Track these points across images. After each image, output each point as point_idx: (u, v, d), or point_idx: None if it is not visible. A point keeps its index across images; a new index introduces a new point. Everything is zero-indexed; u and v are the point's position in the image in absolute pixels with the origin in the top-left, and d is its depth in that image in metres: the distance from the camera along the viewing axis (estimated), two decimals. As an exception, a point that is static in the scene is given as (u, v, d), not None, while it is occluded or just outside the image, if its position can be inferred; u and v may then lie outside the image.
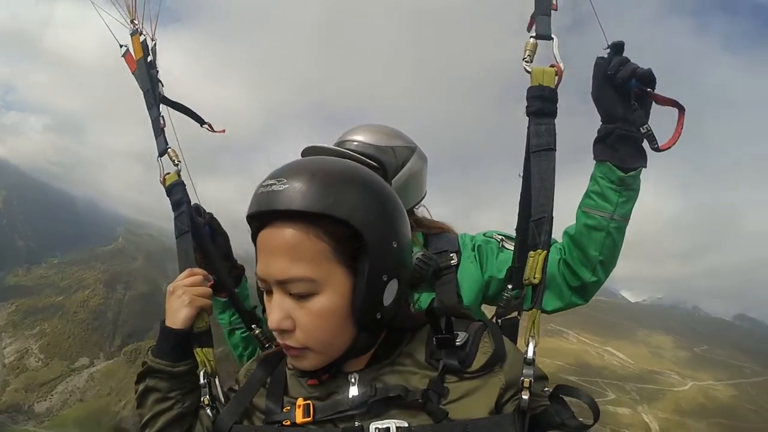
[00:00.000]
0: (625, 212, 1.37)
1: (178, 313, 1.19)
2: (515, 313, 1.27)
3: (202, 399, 1.17)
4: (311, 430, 0.95)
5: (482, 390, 0.95)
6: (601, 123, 1.31)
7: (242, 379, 1.16)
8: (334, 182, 0.89)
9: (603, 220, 1.37)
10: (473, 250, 1.61)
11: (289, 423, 0.96)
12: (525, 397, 0.91)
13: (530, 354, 0.94)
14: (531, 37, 1.10)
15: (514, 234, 1.40)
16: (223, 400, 1.18)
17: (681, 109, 1.21)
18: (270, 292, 0.95)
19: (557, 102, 1.06)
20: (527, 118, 1.09)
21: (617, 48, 1.23)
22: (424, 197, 1.82)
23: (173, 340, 1.19)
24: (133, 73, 1.48)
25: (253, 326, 1.51)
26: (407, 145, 1.72)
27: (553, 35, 1.09)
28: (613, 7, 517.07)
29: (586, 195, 1.40)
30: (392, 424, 0.89)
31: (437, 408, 0.90)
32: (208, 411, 1.15)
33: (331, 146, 1.62)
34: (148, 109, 1.46)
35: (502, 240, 1.60)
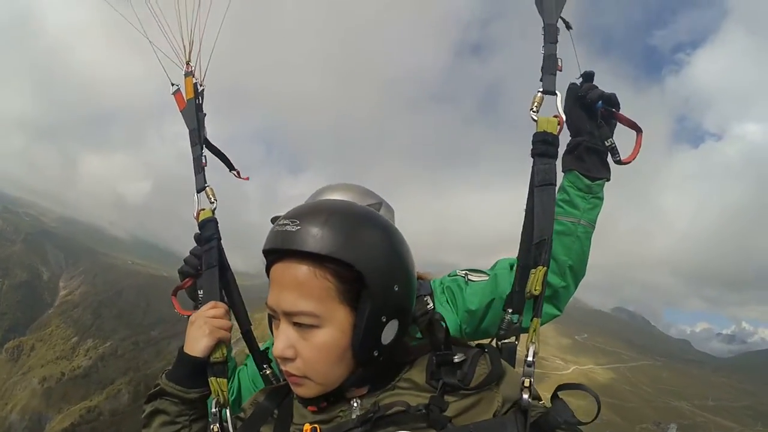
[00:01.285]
0: (591, 218, 1.48)
1: (197, 342, 1.25)
2: (513, 339, 1.28)
3: (211, 427, 1.21)
4: None
5: (480, 405, 1.00)
6: (570, 138, 1.44)
7: (248, 408, 1.20)
8: (344, 227, 0.97)
9: (571, 225, 1.46)
10: (443, 293, 1.64)
11: None
12: (525, 396, 0.96)
13: (530, 357, 1.01)
14: (538, 91, 1.26)
15: (477, 267, 1.62)
16: (231, 430, 1.21)
17: (639, 131, 1.37)
18: (278, 320, 1.03)
19: (558, 146, 1.22)
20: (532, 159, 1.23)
21: (588, 76, 1.42)
22: None
23: (190, 366, 1.24)
24: (181, 111, 1.58)
25: (264, 366, 1.54)
26: (377, 201, 1.84)
27: (557, 91, 1.26)
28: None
29: (555, 204, 1.40)
30: None
31: (440, 417, 0.96)
32: None
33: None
34: (192, 147, 1.54)
35: (466, 274, 1.64)
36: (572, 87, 1.43)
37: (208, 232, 1.48)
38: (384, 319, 0.99)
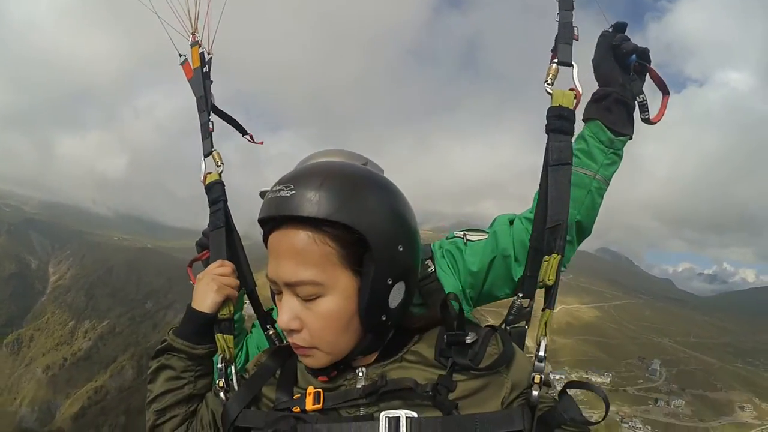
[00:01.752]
0: (607, 174, 1.40)
1: (205, 298, 1.24)
2: (523, 323, 1.24)
3: (216, 382, 1.21)
4: (321, 418, 0.99)
5: (489, 389, 0.98)
6: (598, 88, 1.37)
7: (252, 369, 1.20)
8: (341, 188, 0.93)
9: (586, 178, 1.38)
10: (443, 257, 1.57)
11: (298, 410, 1.00)
12: (535, 393, 0.94)
13: (542, 351, 0.98)
14: (553, 62, 1.18)
15: (475, 227, 1.56)
16: (236, 386, 1.21)
17: (666, 92, 1.32)
18: (280, 293, 1.00)
19: (574, 122, 1.14)
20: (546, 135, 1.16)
21: (621, 27, 1.34)
22: None
23: (197, 322, 1.24)
24: (188, 80, 1.61)
25: (267, 326, 1.54)
26: (363, 162, 1.71)
27: (573, 62, 1.18)
28: None
29: (570, 185, 1.30)
30: (402, 414, 0.92)
31: (446, 401, 0.94)
32: (222, 395, 1.18)
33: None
34: (199, 113, 1.56)
35: (464, 235, 1.58)
36: (605, 35, 1.36)
37: (215, 194, 1.48)
38: (390, 282, 0.95)
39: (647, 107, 1.33)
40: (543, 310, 1.06)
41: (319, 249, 0.92)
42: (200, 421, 1.22)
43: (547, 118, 1.16)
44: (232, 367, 1.24)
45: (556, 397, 1.00)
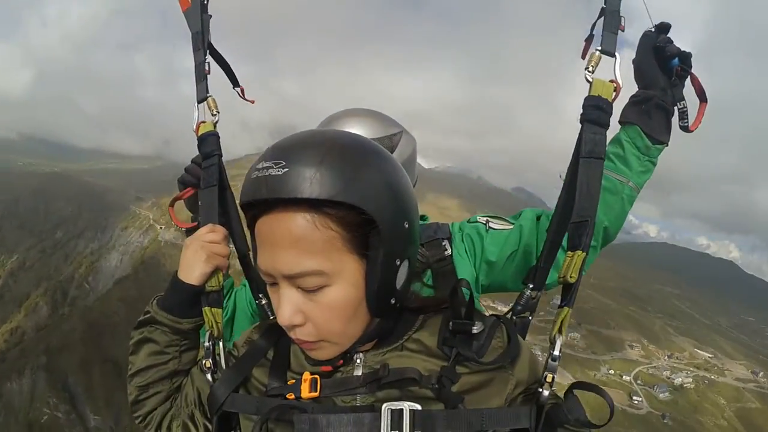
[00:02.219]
0: (640, 182, 1.36)
1: (192, 268, 1.12)
2: (528, 314, 1.21)
3: (203, 362, 1.12)
4: (317, 407, 0.91)
5: (493, 384, 0.93)
6: (638, 90, 1.32)
7: (241, 346, 1.11)
8: (343, 164, 0.80)
9: (619, 184, 1.34)
10: (462, 240, 1.51)
11: (293, 396, 0.93)
12: (546, 393, 0.91)
13: (557, 351, 0.93)
14: (596, 50, 1.12)
15: (499, 215, 1.48)
16: (224, 364, 1.12)
17: (705, 100, 1.27)
18: (275, 284, 0.89)
19: (611, 115, 1.09)
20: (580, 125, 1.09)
21: (664, 28, 1.29)
22: (415, 183, 1.69)
23: (183, 294, 1.13)
24: (183, 12, 1.42)
25: (260, 296, 1.36)
26: (399, 130, 1.65)
27: (616, 53, 1.13)
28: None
29: (606, 157, 1.25)
30: (406, 406, 0.85)
31: (451, 394, 0.87)
32: (208, 375, 1.10)
33: None
34: (194, 52, 1.38)
35: (487, 221, 1.52)
36: (648, 35, 1.30)
37: (209, 147, 1.31)
38: (398, 262, 0.88)
39: (687, 114, 1.29)
40: (560, 307, 0.99)
41: (321, 234, 0.80)
42: (185, 398, 1.16)
43: (583, 107, 1.09)
44: (221, 344, 1.15)
45: (560, 395, 0.95)
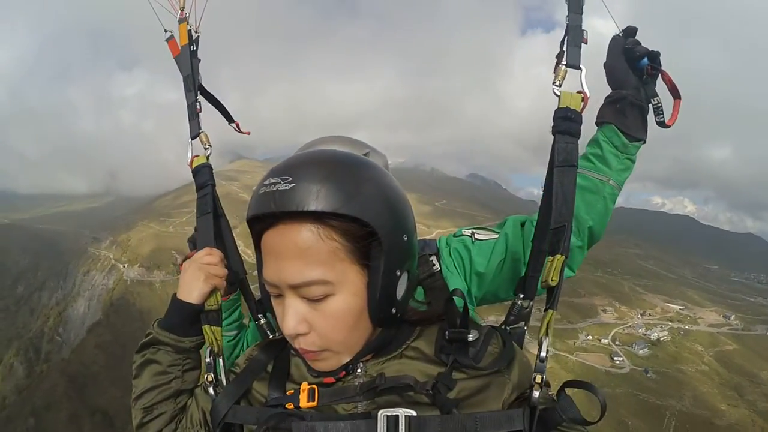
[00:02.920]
0: (621, 180, 1.39)
1: (192, 288, 1.17)
2: (522, 324, 1.23)
3: (205, 377, 1.15)
4: (316, 415, 0.95)
5: (490, 389, 0.96)
6: (612, 91, 1.36)
7: (243, 363, 1.14)
8: (345, 178, 0.88)
9: (599, 183, 1.37)
10: (449, 255, 1.51)
11: (292, 407, 0.96)
12: (536, 393, 0.92)
13: (543, 353, 0.95)
14: (562, 64, 1.17)
15: (482, 225, 1.52)
16: (224, 380, 1.16)
17: (678, 96, 1.30)
18: (279, 296, 0.94)
19: (581, 124, 1.14)
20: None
21: (631, 31, 1.35)
22: None
23: (184, 314, 1.17)
24: (174, 58, 1.53)
25: (259, 316, 1.41)
26: (367, 150, 1.66)
27: (581, 65, 1.17)
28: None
29: (584, 158, 1.39)
30: (401, 412, 0.88)
31: (446, 399, 0.91)
32: (210, 390, 1.13)
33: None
34: (186, 93, 1.48)
35: (472, 233, 1.53)
36: (617, 39, 1.36)
37: (203, 178, 1.41)
38: (398, 273, 0.93)
39: (662, 110, 1.31)
40: (545, 310, 1.01)
41: (326, 245, 0.86)
42: (190, 419, 1.16)
43: (554, 120, 1.14)
44: (221, 361, 1.18)
45: (555, 397, 0.97)
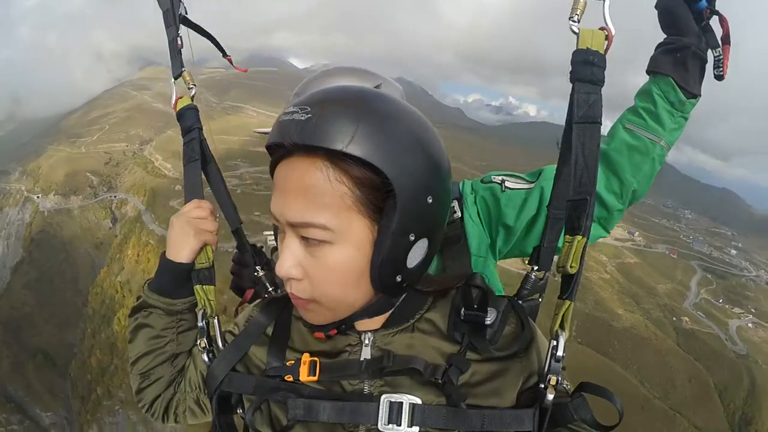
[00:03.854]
0: (672, 140, 1.24)
1: (180, 246, 1.10)
2: (536, 296, 1.14)
3: (198, 342, 1.09)
4: (316, 391, 0.89)
5: (505, 376, 0.89)
6: (667, 37, 1.19)
7: (242, 323, 1.08)
8: (366, 117, 0.76)
9: (650, 143, 1.22)
10: (474, 203, 1.41)
11: (291, 379, 0.90)
12: (550, 396, 0.83)
13: (560, 351, 0.83)
14: None
15: (513, 172, 1.40)
16: (221, 343, 1.08)
17: (728, 44, 1.17)
18: (283, 232, 0.85)
19: (605, 69, 0.93)
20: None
21: None
22: None
23: (173, 274, 1.11)
24: None
25: (257, 268, 1.35)
26: (380, 81, 1.52)
27: None
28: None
29: (633, 111, 1.25)
30: (406, 399, 0.83)
31: (456, 390, 0.83)
32: (204, 356, 1.06)
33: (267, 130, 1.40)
34: (166, 29, 1.35)
35: (503, 180, 1.39)
36: None
37: (188, 121, 1.29)
38: (412, 238, 0.82)
39: (722, 62, 1.15)
40: (561, 298, 0.88)
41: (333, 189, 0.77)
42: (189, 382, 1.15)
43: (572, 64, 0.96)
44: (216, 321, 1.11)
45: (568, 390, 0.90)
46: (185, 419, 1.18)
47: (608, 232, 1.37)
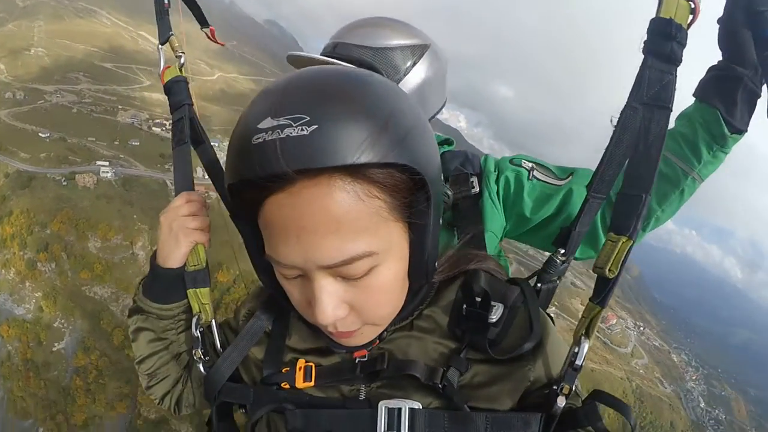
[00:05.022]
0: (706, 174, 1.15)
1: (168, 250, 1.00)
2: (555, 278, 1.03)
3: (193, 351, 1.00)
4: (314, 399, 0.85)
5: (508, 381, 0.81)
6: (723, 60, 1.05)
7: (242, 319, 1.01)
8: (373, 113, 0.61)
9: (682, 174, 1.14)
10: (496, 182, 1.31)
11: (288, 386, 0.86)
12: (561, 404, 0.76)
13: (580, 360, 0.77)
14: None
15: (547, 162, 1.31)
16: (219, 346, 1.01)
17: None
18: (299, 276, 0.71)
19: (685, 47, 0.81)
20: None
21: None
22: (440, 110, 1.45)
23: (165, 280, 1.03)
24: None
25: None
26: (413, 43, 1.33)
27: None
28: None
29: (670, 135, 1.11)
30: (405, 405, 0.77)
31: (456, 393, 0.78)
32: (201, 367, 0.98)
33: (314, 55, 1.32)
34: None
35: (532, 168, 1.30)
36: None
37: (177, 96, 1.13)
38: (440, 222, 0.76)
39: None
40: (594, 301, 0.80)
41: (367, 207, 0.62)
42: (195, 377, 1.13)
43: (648, 33, 0.84)
44: (213, 324, 1.02)
45: (578, 392, 0.83)
46: (195, 410, 1.17)
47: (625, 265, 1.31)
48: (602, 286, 0.79)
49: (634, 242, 0.77)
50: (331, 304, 0.69)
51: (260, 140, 0.58)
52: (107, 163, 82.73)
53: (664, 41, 0.80)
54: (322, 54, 1.35)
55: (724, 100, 1.07)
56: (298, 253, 0.65)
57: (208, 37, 1.34)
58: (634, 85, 0.81)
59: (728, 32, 1.03)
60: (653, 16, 0.81)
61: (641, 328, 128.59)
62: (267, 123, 0.58)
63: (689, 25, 0.82)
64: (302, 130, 0.56)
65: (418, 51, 1.33)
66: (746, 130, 1.10)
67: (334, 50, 1.33)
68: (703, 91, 1.09)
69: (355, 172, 0.60)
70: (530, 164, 1.31)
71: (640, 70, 0.81)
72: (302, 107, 0.57)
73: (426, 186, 0.66)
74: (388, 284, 0.71)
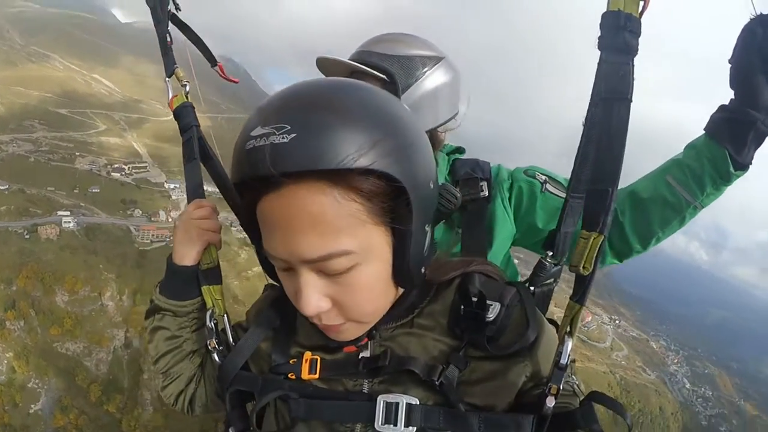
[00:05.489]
0: (707, 203, 1.22)
1: (184, 249, 1.11)
2: (551, 281, 1.07)
3: (207, 342, 1.08)
4: (318, 390, 0.89)
5: (505, 376, 0.85)
6: (735, 102, 1.08)
7: (253, 318, 1.08)
8: (359, 122, 0.66)
9: (684, 203, 1.21)
10: (509, 190, 1.37)
11: (294, 377, 0.91)
12: (550, 405, 0.79)
13: (564, 358, 0.79)
14: None
15: (558, 174, 1.35)
16: (231, 340, 1.07)
17: None
18: (289, 269, 0.78)
19: (639, 36, 0.80)
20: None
21: None
22: (451, 119, 1.49)
23: (180, 277, 1.12)
24: None
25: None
26: (428, 54, 1.42)
27: None
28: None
29: (678, 165, 1.19)
30: (402, 399, 0.81)
31: (453, 391, 0.81)
32: (215, 355, 1.06)
33: (340, 58, 1.40)
34: (155, 25, 1.31)
35: (545, 181, 1.35)
36: (750, 29, 1.00)
37: (185, 120, 1.27)
38: (427, 228, 0.78)
39: None
40: (573, 300, 0.81)
41: (345, 209, 0.68)
42: (208, 376, 1.18)
43: (600, 28, 0.82)
44: (226, 318, 1.10)
45: (576, 391, 0.85)
46: (208, 411, 1.21)
47: (621, 262, 1.38)
48: (579, 284, 0.81)
49: (605, 237, 0.78)
50: (314, 297, 0.75)
51: (251, 146, 0.67)
52: (68, 213, 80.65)
53: (616, 33, 0.80)
54: (353, 58, 1.45)
55: (735, 142, 1.09)
56: (284, 247, 0.73)
57: (219, 75, 1.42)
58: (594, 82, 0.82)
59: (741, 75, 1.05)
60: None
61: (617, 322, 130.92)
62: (257, 131, 0.66)
63: (641, 14, 0.81)
64: (283, 138, 0.64)
65: (433, 61, 1.42)
66: (750, 165, 1.13)
67: (358, 57, 1.43)
68: (714, 129, 1.12)
69: (335, 176, 0.65)
70: (544, 177, 1.38)
71: (597, 66, 0.82)
72: (285, 117, 0.65)
73: (406, 194, 0.69)
74: (369, 283, 0.76)
